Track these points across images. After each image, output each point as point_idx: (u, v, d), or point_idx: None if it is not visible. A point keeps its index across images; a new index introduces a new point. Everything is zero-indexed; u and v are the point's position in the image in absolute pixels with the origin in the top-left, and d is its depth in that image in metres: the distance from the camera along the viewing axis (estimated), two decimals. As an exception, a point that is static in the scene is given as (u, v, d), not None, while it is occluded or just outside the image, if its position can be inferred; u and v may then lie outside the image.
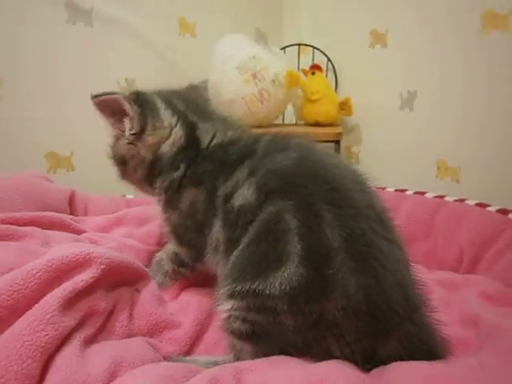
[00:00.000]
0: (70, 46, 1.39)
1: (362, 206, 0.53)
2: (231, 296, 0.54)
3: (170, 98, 0.72)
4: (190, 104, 0.73)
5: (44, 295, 0.54)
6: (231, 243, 0.58)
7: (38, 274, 0.54)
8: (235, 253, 0.56)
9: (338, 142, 1.59)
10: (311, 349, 0.53)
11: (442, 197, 1.08)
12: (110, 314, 0.67)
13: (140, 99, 0.68)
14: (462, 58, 1.48)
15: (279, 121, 1.99)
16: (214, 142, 0.68)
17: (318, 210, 0.52)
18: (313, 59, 1.94)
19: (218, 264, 0.64)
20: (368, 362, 0.51)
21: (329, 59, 1.92)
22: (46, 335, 0.49)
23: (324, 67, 1.91)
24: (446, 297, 0.77)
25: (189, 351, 0.69)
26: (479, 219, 0.95)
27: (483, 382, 0.44)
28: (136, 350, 0.61)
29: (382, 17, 1.68)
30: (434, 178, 1.61)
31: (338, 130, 1.65)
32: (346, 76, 1.91)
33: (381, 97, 1.74)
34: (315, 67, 1.84)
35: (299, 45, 1.98)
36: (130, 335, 0.68)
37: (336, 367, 0.50)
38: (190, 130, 0.70)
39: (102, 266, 0.64)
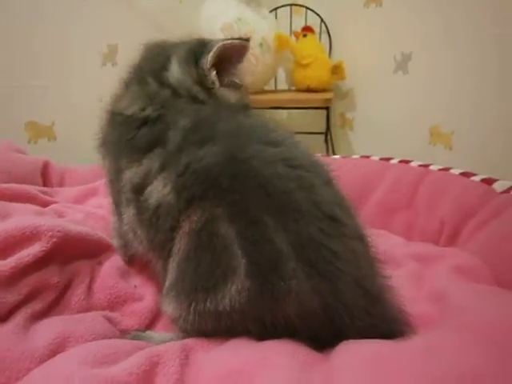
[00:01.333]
0: (52, 11, 1.33)
1: (305, 208, 0.48)
2: (180, 309, 0.51)
3: None
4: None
5: (-18, 270, 0.52)
6: (156, 247, 0.54)
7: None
8: (174, 265, 0.51)
9: (327, 109, 1.53)
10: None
11: (426, 166, 1.04)
12: (66, 288, 0.65)
13: None
14: (461, 17, 1.40)
15: (271, 86, 1.93)
16: (128, 111, 0.60)
17: (257, 217, 0.47)
18: (305, 20, 1.85)
19: (152, 263, 0.60)
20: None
21: (322, 20, 1.82)
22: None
23: (317, 29, 1.82)
24: (419, 271, 0.74)
25: (149, 325, 0.68)
26: (462, 189, 0.92)
27: (428, 362, 0.42)
28: (88, 325, 0.59)
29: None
30: (427, 145, 1.56)
31: (327, 95, 1.58)
32: (340, 38, 1.83)
33: (375, 59, 1.66)
34: (307, 29, 1.75)
35: (291, 5, 1.88)
36: (88, 309, 0.66)
37: (285, 345, 0.49)
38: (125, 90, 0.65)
39: (54, 240, 0.62)
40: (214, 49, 0.59)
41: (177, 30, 1.66)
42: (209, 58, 0.59)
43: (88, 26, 1.42)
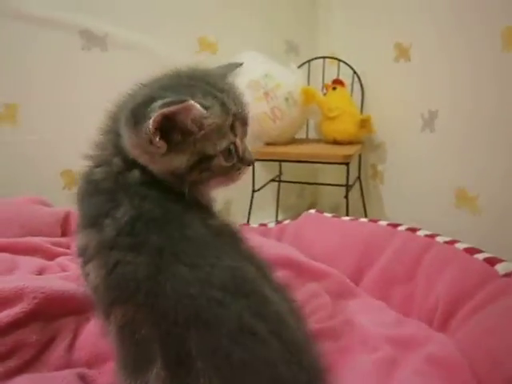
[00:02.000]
0: (85, 71, 1.47)
1: (213, 322, 0.48)
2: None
3: None
4: None
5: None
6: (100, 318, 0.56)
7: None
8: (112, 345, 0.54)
9: (347, 164, 1.52)
10: None
11: (432, 236, 0.99)
12: (47, 345, 0.70)
13: None
14: (486, 74, 1.34)
15: (303, 135, 1.95)
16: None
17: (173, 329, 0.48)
18: (338, 72, 1.87)
19: None
20: None
21: (355, 72, 1.83)
22: None
23: (350, 81, 1.83)
24: (391, 358, 0.71)
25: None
26: (462, 268, 0.86)
27: None
28: (58, 384, 0.63)
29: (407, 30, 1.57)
30: (453, 208, 1.48)
31: (348, 151, 1.56)
32: (372, 90, 1.82)
33: (403, 115, 1.63)
34: (337, 82, 1.77)
35: (325, 57, 1.91)
36: (66, 366, 0.70)
37: None
38: None
39: (36, 301, 0.68)
40: (153, 117, 0.49)
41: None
42: (149, 125, 0.50)
43: (123, 83, 1.54)
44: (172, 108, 0.49)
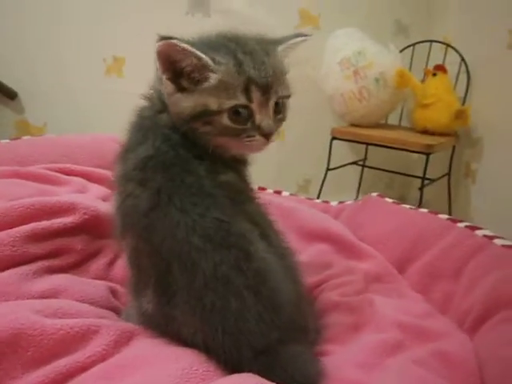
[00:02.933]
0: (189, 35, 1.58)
1: (195, 255, 0.53)
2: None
3: None
4: None
5: (20, 225, 0.72)
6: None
7: (20, 208, 0.72)
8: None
9: (427, 155, 1.41)
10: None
11: (491, 238, 0.90)
12: (90, 257, 0.81)
13: None
14: None
15: (395, 122, 1.86)
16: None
17: (164, 257, 0.55)
18: (444, 58, 1.72)
19: None
20: None
21: (463, 59, 1.67)
22: (1, 253, 0.67)
23: (456, 68, 1.67)
24: (393, 341, 0.69)
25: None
26: (509, 274, 0.78)
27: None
28: (85, 288, 0.74)
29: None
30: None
31: (430, 140, 1.44)
32: (479, 80, 1.64)
33: (507, 108, 1.45)
34: (438, 68, 1.63)
35: (432, 41, 1.77)
36: (103, 278, 0.81)
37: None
38: None
39: (86, 216, 0.80)
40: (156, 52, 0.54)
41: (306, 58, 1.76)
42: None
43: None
44: (159, 43, 0.53)
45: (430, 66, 1.71)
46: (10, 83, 1.67)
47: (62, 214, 0.78)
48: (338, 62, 1.55)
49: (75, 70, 1.67)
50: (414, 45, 1.80)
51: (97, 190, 0.99)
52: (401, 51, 1.74)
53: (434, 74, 1.61)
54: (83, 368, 0.53)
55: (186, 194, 0.54)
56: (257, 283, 0.53)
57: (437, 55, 1.77)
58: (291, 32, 0.65)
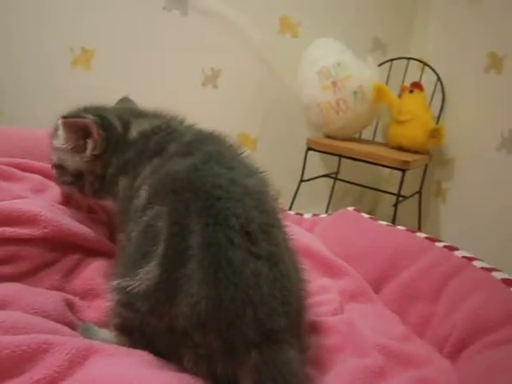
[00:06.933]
0: (164, 32, 1.52)
1: (229, 216, 0.52)
2: (110, 290, 0.58)
3: (124, 115, 0.74)
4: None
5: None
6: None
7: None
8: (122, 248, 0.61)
9: (403, 171, 1.40)
10: (170, 356, 0.53)
11: (470, 259, 0.89)
12: (47, 265, 0.73)
13: (105, 124, 0.70)
14: None
15: (369, 137, 1.85)
16: (138, 130, 0.70)
17: (185, 218, 0.53)
18: (421, 77, 1.74)
19: None
20: None
21: (439, 78, 1.69)
22: None
23: (432, 87, 1.69)
24: (374, 367, 0.64)
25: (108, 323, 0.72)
26: (490, 298, 0.76)
27: None
28: (38, 299, 0.65)
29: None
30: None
31: (405, 157, 1.44)
32: (453, 100, 1.66)
33: (481, 130, 1.47)
34: (415, 85, 1.64)
35: (409, 59, 1.79)
36: (59, 289, 0.73)
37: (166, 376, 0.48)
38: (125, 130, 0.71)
39: (46, 230, 0.71)
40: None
41: (282, 65, 1.73)
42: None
43: (197, 48, 1.57)
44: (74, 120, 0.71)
45: (407, 83, 1.72)
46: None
47: (20, 225, 0.69)
48: (316, 71, 1.52)
49: (35, 57, 1.56)
50: (391, 60, 1.81)
51: (55, 189, 0.91)
52: (378, 65, 1.74)
53: (411, 91, 1.62)
54: (29, 394, 0.45)
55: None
56: (272, 262, 0.52)
57: (413, 73, 1.78)
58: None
